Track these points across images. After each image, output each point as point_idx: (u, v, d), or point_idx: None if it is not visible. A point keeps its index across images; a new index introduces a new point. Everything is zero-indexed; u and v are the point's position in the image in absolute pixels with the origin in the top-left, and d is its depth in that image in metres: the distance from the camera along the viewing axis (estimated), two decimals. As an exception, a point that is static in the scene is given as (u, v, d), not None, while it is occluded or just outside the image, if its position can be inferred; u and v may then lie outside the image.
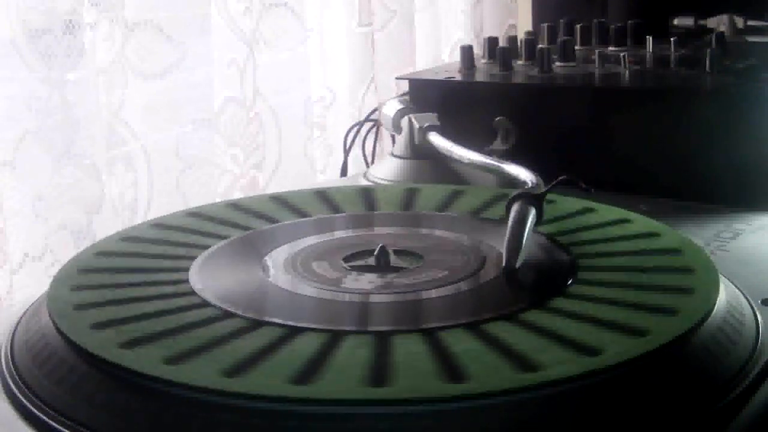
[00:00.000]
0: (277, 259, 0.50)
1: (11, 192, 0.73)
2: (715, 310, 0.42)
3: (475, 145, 0.69)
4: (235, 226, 0.55)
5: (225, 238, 0.53)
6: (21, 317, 0.46)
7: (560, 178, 0.53)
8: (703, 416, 0.37)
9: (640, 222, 0.54)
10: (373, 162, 0.95)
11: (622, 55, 0.80)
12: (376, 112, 0.95)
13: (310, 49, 1.02)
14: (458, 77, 0.81)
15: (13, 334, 0.44)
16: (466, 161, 0.67)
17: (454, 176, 0.70)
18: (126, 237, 0.54)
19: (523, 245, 0.48)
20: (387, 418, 0.35)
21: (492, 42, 0.87)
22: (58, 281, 0.47)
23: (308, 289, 0.46)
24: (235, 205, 0.60)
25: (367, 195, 0.61)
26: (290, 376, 0.36)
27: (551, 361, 0.37)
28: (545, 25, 0.93)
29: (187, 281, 0.47)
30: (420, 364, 0.37)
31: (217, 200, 0.86)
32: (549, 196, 0.53)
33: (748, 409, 0.38)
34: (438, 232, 0.54)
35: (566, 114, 0.74)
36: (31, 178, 0.74)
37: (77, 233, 0.77)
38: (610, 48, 0.89)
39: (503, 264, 0.47)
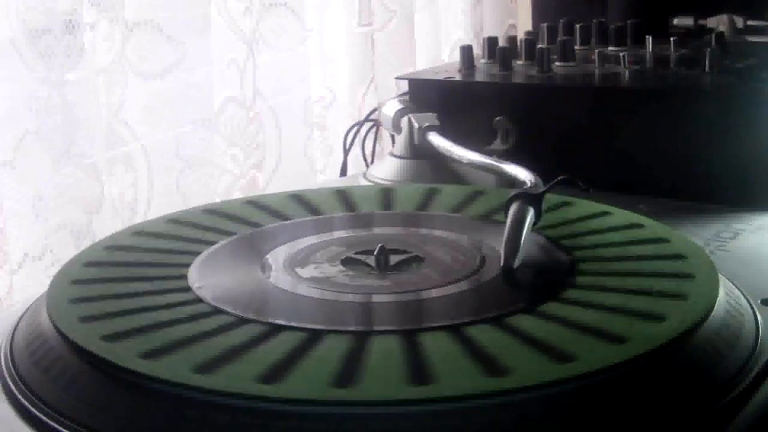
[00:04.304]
0: (276, 258, 0.50)
1: (11, 192, 0.73)
2: (714, 310, 0.42)
3: (475, 145, 0.69)
4: (249, 223, 0.56)
5: (232, 234, 0.53)
6: (21, 317, 0.46)
7: (559, 177, 0.53)
8: (702, 416, 0.37)
9: (651, 226, 0.54)
10: (372, 162, 0.95)
11: (621, 55, 0.80)
12: (376, 112, 0.95)
13: (310, 49, 1.02)
14: (458, 77, 0.81)
15: (13, 334, 0.44)
16: (466, 161, 0.67)
17: (454, 176, 0.70)
18: (134, 232, 0.54)
19: (522, 245, 0.48)
20: (354, 419, 0.35)
21: (492, 42, 0.87)
22: (57, 281, 0.47)
23: (303, 288, 0.46)
24: (253, 203, 0.60)
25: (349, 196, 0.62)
26: (260, 375, 0.36)
27: (551, 361, 0.37)
28: (545, 25, 0.93)
29: (185, 281, 0.47)
30: (394, 365, 0.37)
31: (217, 200, 0.86)
32: (561, 198, 0.53)
33: (748, 409, 0.38)
34: (438, 232, 0.54)
35: (566, 114, 0.74)
36: (31, 178, 0.74)
37: (77, 233, 0.77)
38: (610, 48, 0.89)
39: (501, 264, 0.47)
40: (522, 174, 0.59)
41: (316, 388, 0.36)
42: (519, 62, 0.84)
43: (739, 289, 0.47)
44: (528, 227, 0.50)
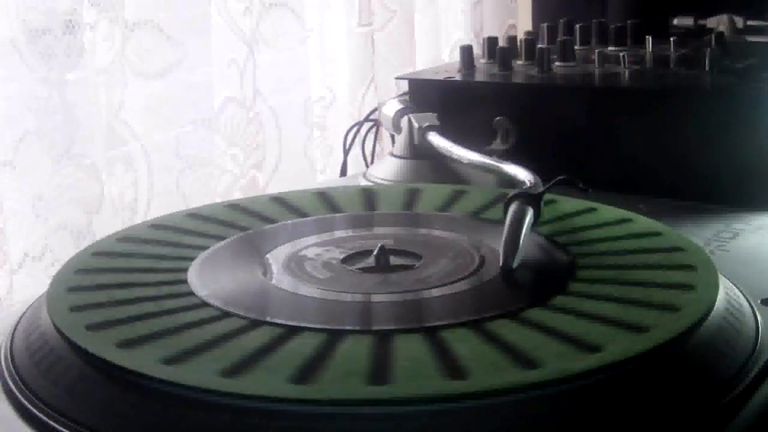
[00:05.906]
0: (276, 259, 0.50)
1: (11, 192, 0.73)
2: (714, 310, 0.42)
3: (475, 145, 0.69)
4: (234, 226, 0.55)
5: (224, 238, 0.53)
6: (21, 317, 0.46)
7: (558, 177, 0.53)
8: (703, 416, 0.37)
9: (642, 222, 0.54)
10: (372, 162, 0.95)
11: (621, 55, 0.80)
12: (376, 112, 0.95)
13: (310, 49, 1.02)
14: (458, 77, 0.81)
15: (13, 334, 0.44)
16: (466, 161, 0.67)
17: (454, 176, 0.70)
18: (124, 237, 0.54)
19: (521, 245, 0.48)
20: (387, 418, 0.35)
21: (492, 42, 0.87)
22: (57, 281, 0.47)
23: (306, 289, 0.46)
24: (234, 206, 0.60)
25: (368, 195, 0.62)
26: (289, 376, 0.36)
27: (551, 360, 0.37)
28: (545, 25, 0.93)
29: (185, 281, 0.47)
30: (420, 363, 0.37)
31: (217, 200, 0.86)
32: (549, 196, 0.53)
33: (748, 408, 0.38)
34: (437, 232, 0.54)
35: (566, 114, 0.74)
36: (31, 178, 0.74)
37: (77, 233, 0.77)
38: (610, 48, 0.88)
39: (500, 264, 0.47)
40: (521, 174, 0.59)
41: (352, 387, 0.36)
42: (519, 62, 0.84)
43: (739, 289, 0.47)
44: (527, 227, 0.50)
